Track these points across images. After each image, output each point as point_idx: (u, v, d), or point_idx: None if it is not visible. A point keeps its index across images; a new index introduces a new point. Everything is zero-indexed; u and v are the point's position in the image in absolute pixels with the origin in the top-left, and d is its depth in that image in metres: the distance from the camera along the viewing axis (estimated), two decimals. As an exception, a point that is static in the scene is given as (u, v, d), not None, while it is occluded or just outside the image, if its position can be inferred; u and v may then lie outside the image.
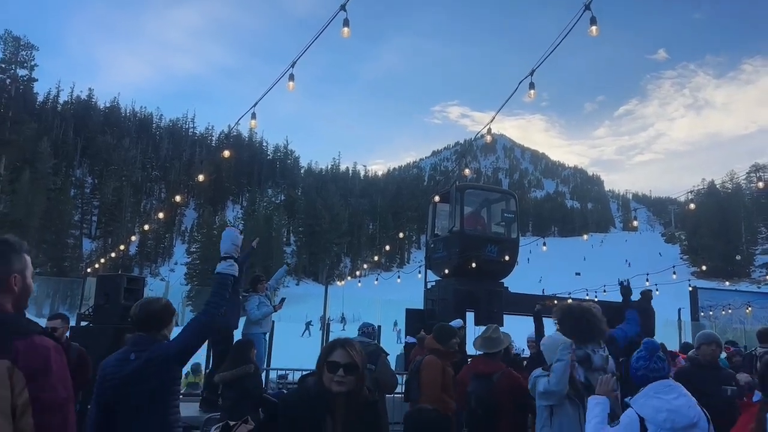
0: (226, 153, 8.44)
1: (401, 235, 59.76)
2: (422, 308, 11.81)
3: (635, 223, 75.60)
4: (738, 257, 74.64)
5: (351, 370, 2.31)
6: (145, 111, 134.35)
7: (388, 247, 73.08)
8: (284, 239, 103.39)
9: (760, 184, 74.89)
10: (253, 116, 5.89)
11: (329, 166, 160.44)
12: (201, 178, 10.69)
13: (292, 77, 5.12)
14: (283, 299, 8.06)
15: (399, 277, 15.66)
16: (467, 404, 4.74)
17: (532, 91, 4.44)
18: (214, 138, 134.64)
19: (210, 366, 7.30)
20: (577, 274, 71.07)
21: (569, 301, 3.85)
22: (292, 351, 14.64)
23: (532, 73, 4.27)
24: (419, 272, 12.94)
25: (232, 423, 3.63)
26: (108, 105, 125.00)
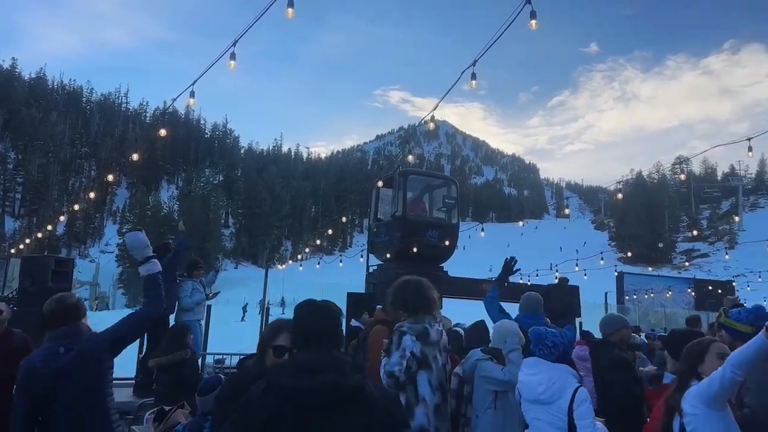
0: (162, 132, 8.14)
1: (344, 219, 59.52)
2: (364, 292, 11.89)
3: (567, 210, 78.69)
4: (660, 245, 79.39)
5: None
6: (75, 84, 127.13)
7: (330, 231, 72.81)
8: (222, 221, 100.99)
9: (682, 176, 79.54)
10: (192, 94, 5.69)
11: (271, 147, 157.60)
12: (135, 157, 10.28)
13: (233, 56, 4.98)
14: (217, 293, 7.97)
15: (341, 261, 15.66)
16: None
17: (473, 81, 4.54)
18: (148, 114, 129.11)
19: (144, 350, 7.10)
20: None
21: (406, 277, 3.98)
22: (229, 335, 14.43)
23: (474, 63, 4.36)
24: (361, 256, 13.01)
25: (167, 408, 3.56)
26: (33, 76, 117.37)
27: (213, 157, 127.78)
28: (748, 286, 26.74)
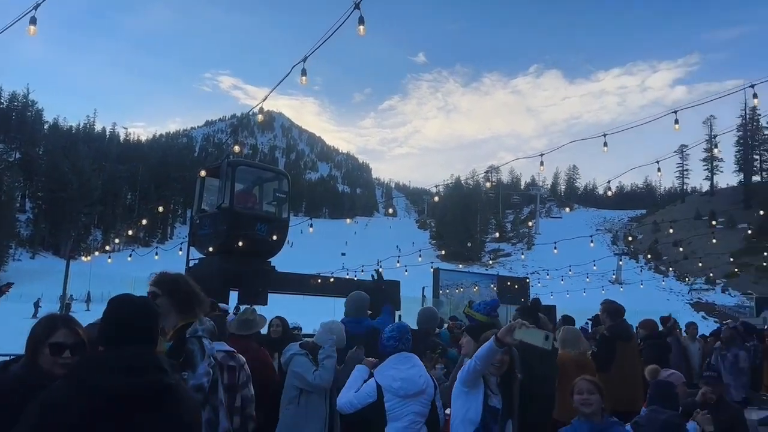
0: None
1: (160, 208, 55.04)
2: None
3: (390, 210, 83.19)
4: (469, 244, 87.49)
5: (78, 349, 2.08)
6: None
7: (144, 221, 67.12)
8: (18, 204, 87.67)
9: (488, 184, 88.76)
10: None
11: (82, 125, 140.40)
12: None
13: (33, 20, 4.35)
14: (9, 284, 6.96)
15: (157, 253, 14.52)
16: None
17: (303, 78, 4.55)
18: None
19: None
20: (343, 254, 75.23)
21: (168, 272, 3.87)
22: (21, 334, 12.60)
23: (304, 60, 4.38)
24: (180, 249, 12.26)
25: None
26: None
27: (9, 130, 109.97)
28: (539, 282, 30.79)
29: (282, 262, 12.74)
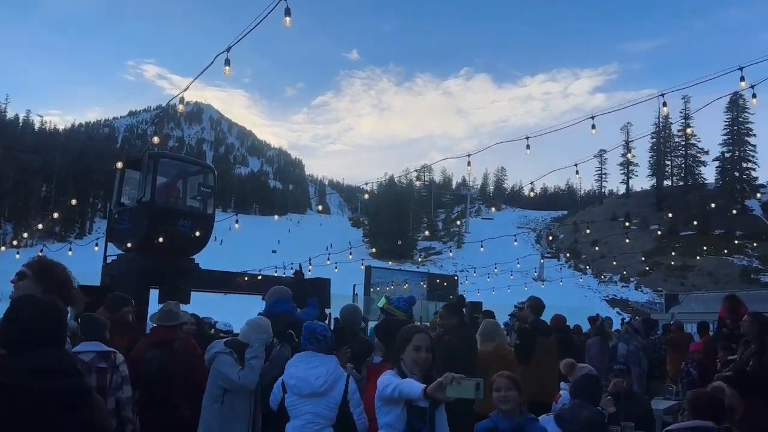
0: None
1: (74, 201, 51.76)
2: (99, 285, 10.62)
3: (320, 207, 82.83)
4: (399, 242, 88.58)
5: None
6: None
7: (56, 215, 63.07)
8: None
9: (418, 183, 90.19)
10: None
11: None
12: None
13: None
14: None
15: (71, 249, 13.62)
16: (144, 371, 4.65)
17: (227, 68, 4.39)
18: None
19: None
20: (273, 252, 73.99)
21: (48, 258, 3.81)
22: None
23: (228, 50, 4.22)
24: (96, 244, 11.59)
25: None
26: None
27: None
28: (467, 279, 31.58)
29: (210, 259, 12.34)
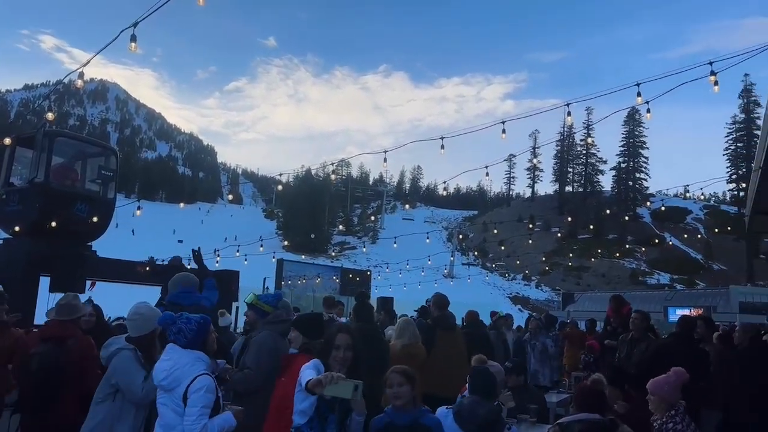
0: None
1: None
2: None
3: (230, 197, 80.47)
4: (313, 236, 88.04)
5: None
6: None
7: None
8: None
9: (333, 177, 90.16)
10: None
11: None
12: None
13: None
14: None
15: (-53, 231, 12.24)
16: (28, 366, 4.33)
17: (133, 44, 4.11)
18: None
19: None
20: (180, 241, 70.90)
21: None
22: None
23: (135, 25, 3.95)
24: (-23, 228, 10.55)
25: None
26: None
27: None
28: (379, 275, 31.97)
29: (112, 247, 11.58)
